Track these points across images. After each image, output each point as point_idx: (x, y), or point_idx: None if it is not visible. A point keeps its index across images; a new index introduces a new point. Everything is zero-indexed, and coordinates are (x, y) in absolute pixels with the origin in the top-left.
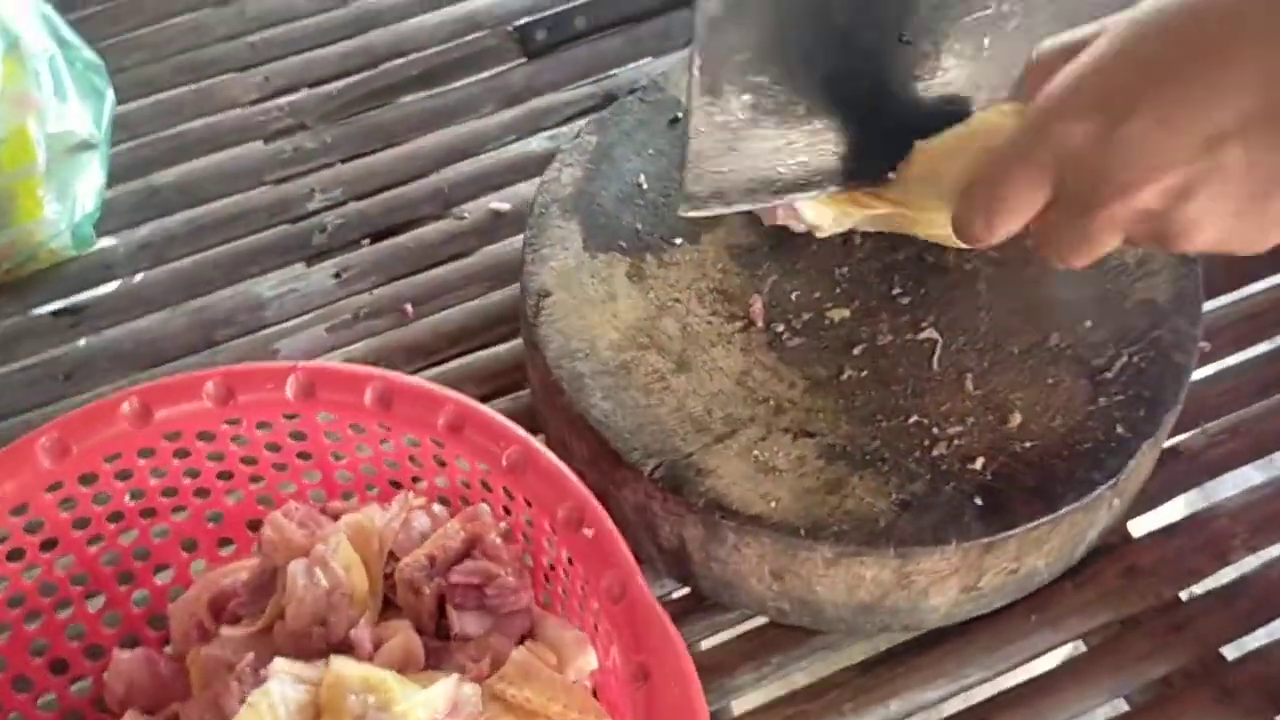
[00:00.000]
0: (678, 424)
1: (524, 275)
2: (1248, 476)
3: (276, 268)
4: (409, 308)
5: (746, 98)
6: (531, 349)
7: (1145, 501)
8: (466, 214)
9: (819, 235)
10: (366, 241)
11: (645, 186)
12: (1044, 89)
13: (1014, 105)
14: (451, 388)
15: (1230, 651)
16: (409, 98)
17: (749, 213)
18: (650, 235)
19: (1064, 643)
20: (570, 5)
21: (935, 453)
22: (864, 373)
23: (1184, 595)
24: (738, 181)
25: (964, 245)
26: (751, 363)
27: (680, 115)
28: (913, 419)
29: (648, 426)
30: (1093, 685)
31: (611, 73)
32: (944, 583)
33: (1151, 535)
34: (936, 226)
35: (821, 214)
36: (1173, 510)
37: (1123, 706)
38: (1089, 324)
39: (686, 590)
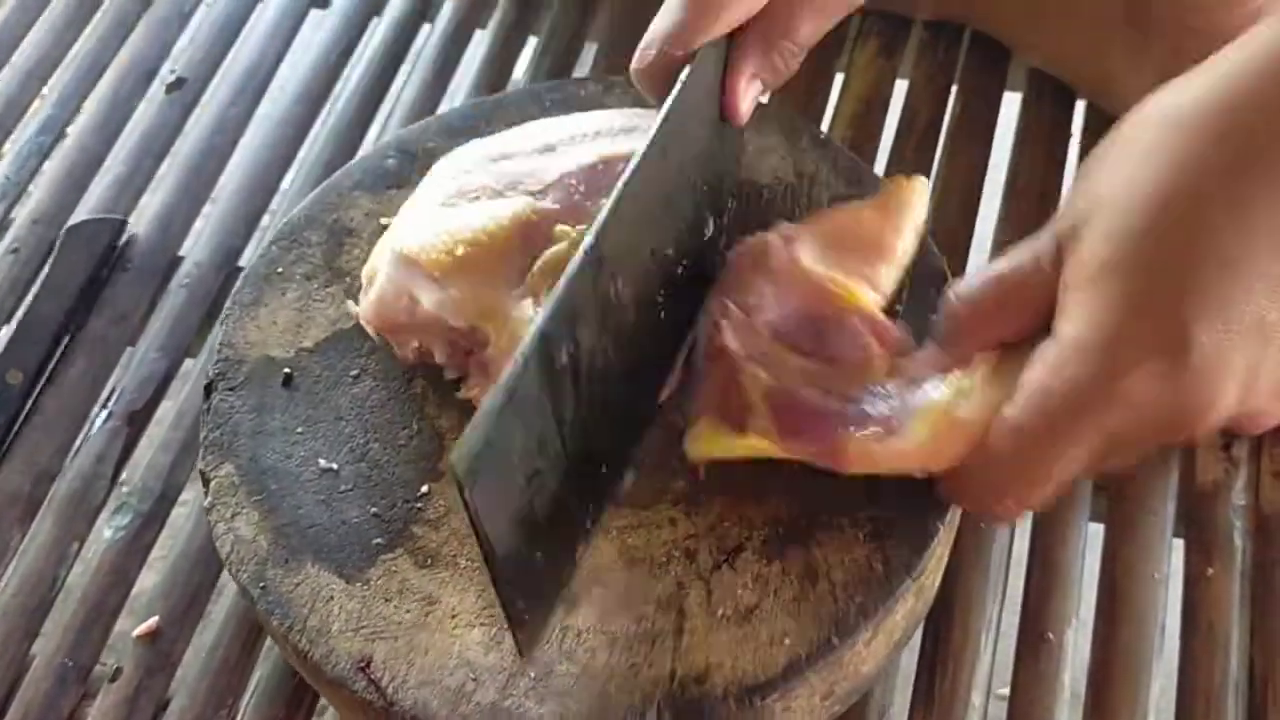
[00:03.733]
0: (627, 657)
1: (314, 665)
2: None
3: None
4: None
5: None
6: None
7: None
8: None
9: None
10: None
11: (335, 467)
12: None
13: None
14: None
15: None
16: None
17: None
18: (394, 510)
19: None
20: None
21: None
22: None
23: None
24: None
25: None
26: (618, 534)
27: (289, 373)
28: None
29: (606, 688)
30: None
31: (112, 390)
32: (938, 565)
33: None
34: None
35: None
36: None
37: None
38: None
39: None
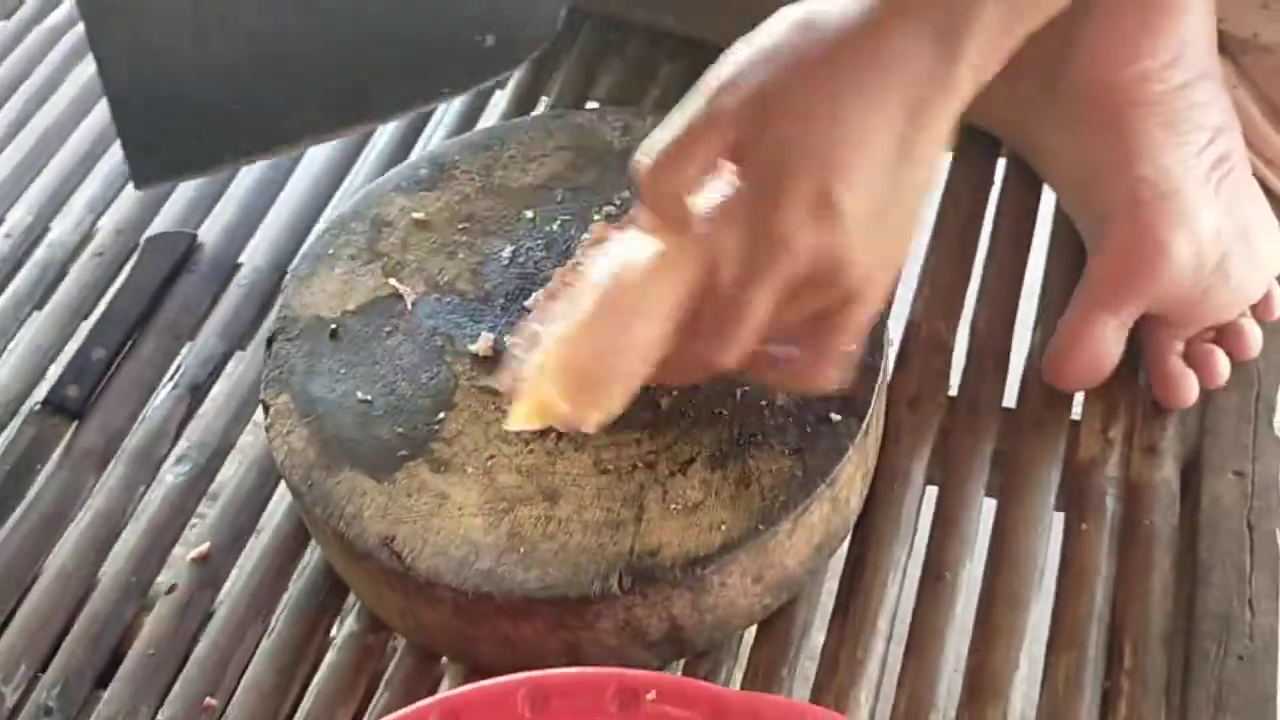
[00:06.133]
0: (596, 537)
1: (349, 543)
2: None
3: None
4: (209, 700)
5: None
6: (419, 593)
7: None
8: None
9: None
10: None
11: (371, 398)
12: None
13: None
14: None
15: None
16: None
17: None
18: (416, 431)
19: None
20: (79, 345)
21: (780, 403)
22: (674, 393)
23: None
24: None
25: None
26: (594, 451)
27: (335, 328)
28: (740, 393)
29: (579, 560)
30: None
31: (178, 367)
32: (853, 482)
33: None
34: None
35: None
36: None
37: None
38: None
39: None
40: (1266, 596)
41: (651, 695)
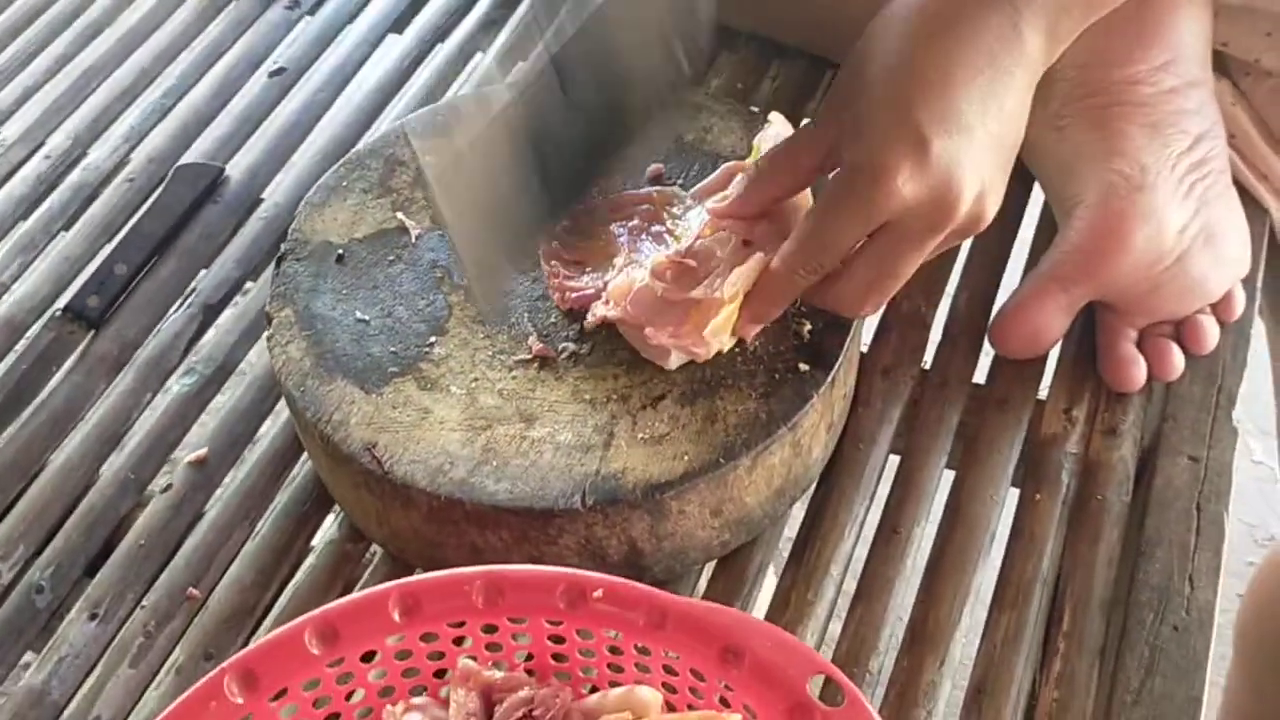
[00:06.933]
0: (565, 458)
1: (334, 446)
2: None
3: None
4: (192, 590)
5: None
6: (395, 497)
7: None
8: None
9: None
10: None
11: (369, 319)
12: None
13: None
14: None
15: None
16: (7, 432)
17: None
18: (408, 351)
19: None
20: (103, 259)
21: (751, 351)
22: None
23: None
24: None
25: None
26: (574, 382)
27: (342, 253)
28: None
29: (547, 476)
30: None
31: (194, 288)
32: (817, 432)
33: None
34: None
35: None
36: None
37: None
38: None
39: None
40: (1208, 573)
41: (598, 593)
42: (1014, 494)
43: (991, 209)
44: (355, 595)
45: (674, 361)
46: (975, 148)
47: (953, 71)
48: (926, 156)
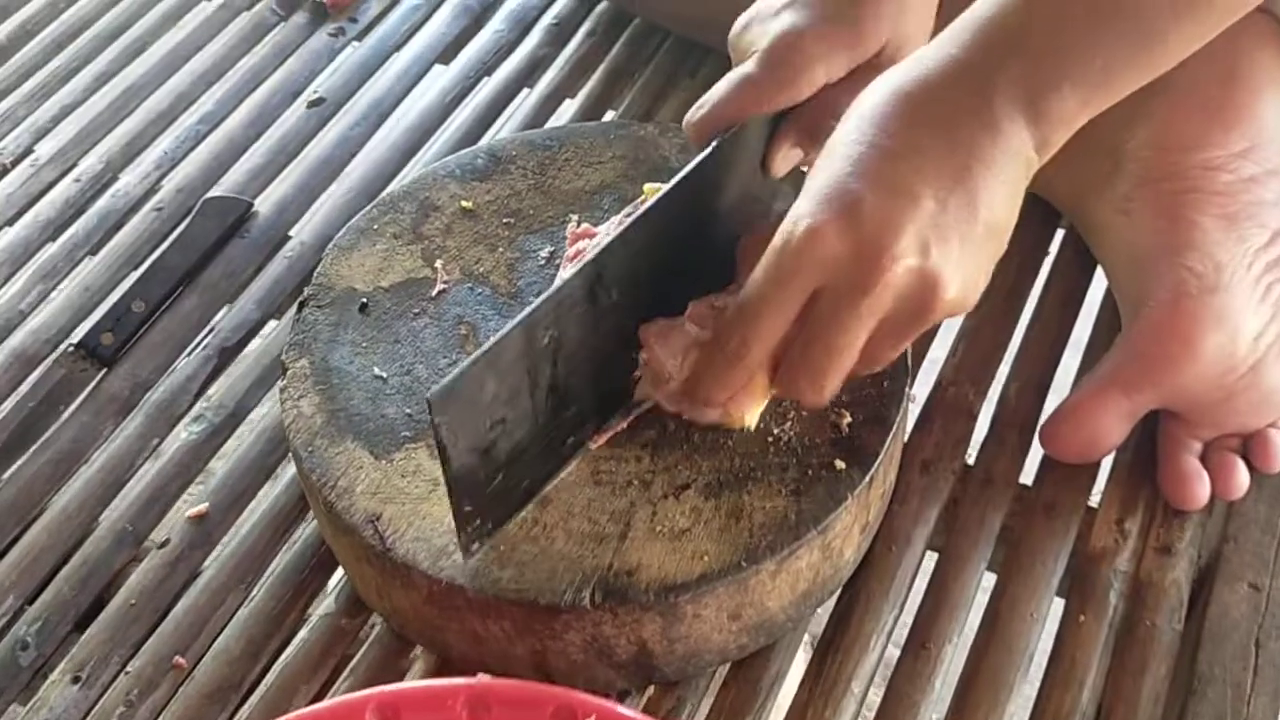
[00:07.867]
0: (578, 547)
1: (336, 514)
2: None
3: None
4: (178, 659)
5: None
6: (396, 575)
7: None
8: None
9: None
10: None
11: (386, 376)
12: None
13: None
14: None
15: None
16: (8, 471)
17: None
18: (424, 414)
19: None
20: (120, 295)
21: (785, 442)
22: (684, 418)
23: None
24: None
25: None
26: (593, 462)
27: (365, 302)
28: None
29: (557, 566)
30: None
31: (212, 328)
32: (850, 534)
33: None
34: None
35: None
36: None
37: None
38: None
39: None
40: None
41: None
42: (1056, 605)
43: (949, 288)
44: (330, 702)
45: (750, 419)
46: (923, 217)
47: (921, 146)
48: (858, 213)
